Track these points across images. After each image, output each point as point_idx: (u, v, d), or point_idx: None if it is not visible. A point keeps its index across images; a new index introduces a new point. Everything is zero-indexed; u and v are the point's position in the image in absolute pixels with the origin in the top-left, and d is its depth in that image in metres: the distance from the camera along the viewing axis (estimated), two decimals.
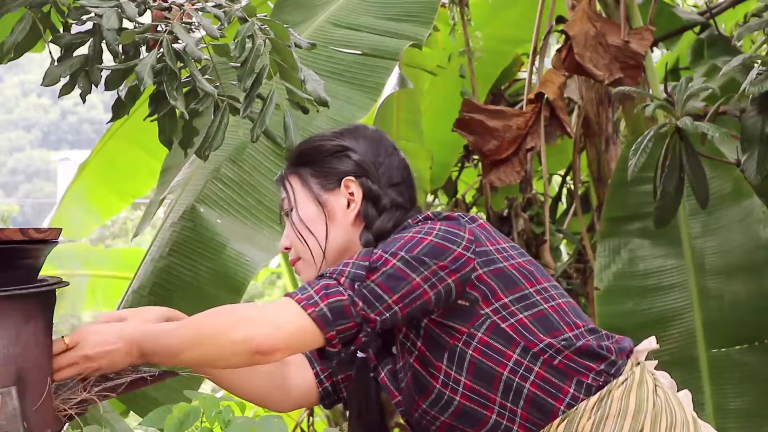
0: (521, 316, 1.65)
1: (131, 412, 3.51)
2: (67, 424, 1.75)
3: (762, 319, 3.37)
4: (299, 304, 1.57)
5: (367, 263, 1.59)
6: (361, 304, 1.57)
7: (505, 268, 1.66)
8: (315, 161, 1.76)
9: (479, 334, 1.63)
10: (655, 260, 3.56)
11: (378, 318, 1.57)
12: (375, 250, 1.63)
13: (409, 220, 1.73)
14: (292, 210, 1.78)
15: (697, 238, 3.52)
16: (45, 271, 1.83)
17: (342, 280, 1.57)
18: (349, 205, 1.75)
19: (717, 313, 3.42)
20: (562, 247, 4.94)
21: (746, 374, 3.35)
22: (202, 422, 2.41)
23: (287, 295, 1.61)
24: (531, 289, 1.67)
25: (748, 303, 3.39)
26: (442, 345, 1.64)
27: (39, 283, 1.75)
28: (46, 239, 1.73)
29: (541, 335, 1.65)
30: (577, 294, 4.57)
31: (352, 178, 1.75)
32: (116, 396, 1.83)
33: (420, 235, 1.62)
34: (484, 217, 5.07)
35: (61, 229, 1.78)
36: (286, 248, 1.81)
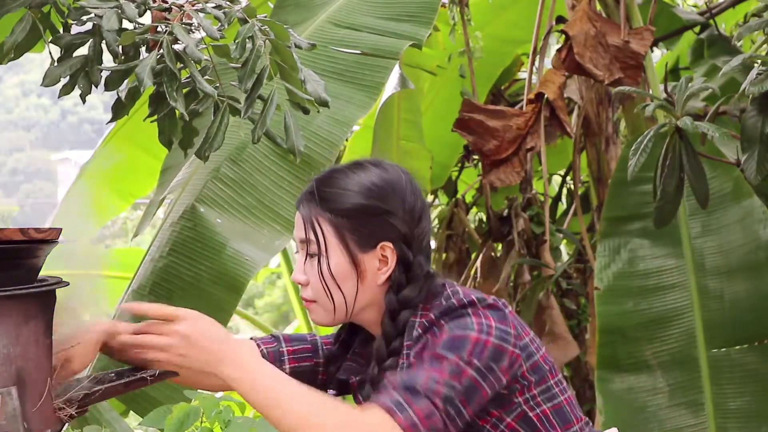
0: (545, 407, 1.71)
1: (131, 412, 3.51)
2: (67, 424, 1.75)
3: (762, 319, 3.37)
4: (400, 426, 1.55)
5: (455, 384, 1.58)
6: (448, 423, 1.59)
7: (539, 361, 1.71)
8: (354, 218, 1.70)
9: (508, 419, 1.69)
10: (655, 260, 3.56)
11: (453, 427, 1.61)
12: (448, 354, 1.60)
13: (453, 300, 1.69)
14: (319, 255, 1.72)
15: (697, 238, 3.52)
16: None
17: (438, 402, 1.57)
18: (380, 268, 1.72)
19: (717, 313, 3.42)
20: (562, 247, 4.94)
21: (746, 374, 3.35)
22: (202, 422, 2.41)
23: (385, 407, 1.56)
24: (552, 381, 1.72)
25: (748, 303, 3.39)
26: (472, 426, 1.67)
27: (39, 283, 1.75)
28: (47, 239, 1.73)
29: (558, 427, 1.71)
30: (577, 294, 4.58)
31: (390, 244, 1.72)
32: (116, 396, 1.83)
33: (483, 336, 1.62)
34: (484, 217, 5.07)
35: (61, 229, 1.78)
36: (300, 283, 1.77)
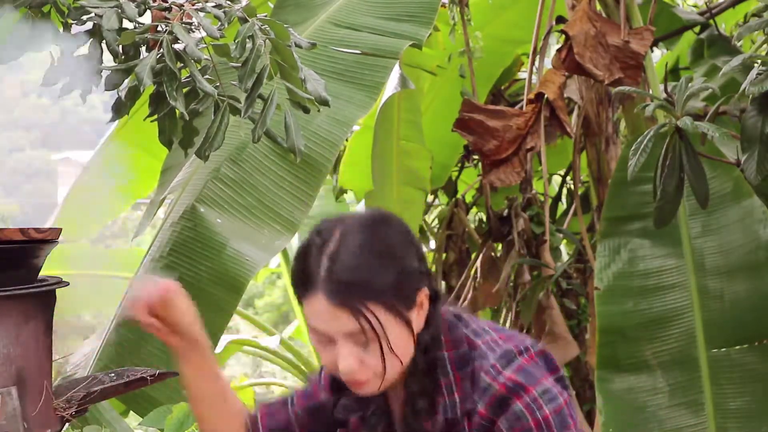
0: None
1: (131, 412, 3.51)
2: (67, 424, 1.75)
3: (762, 319, 3.36)
4: None
5: None
6: None
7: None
8: (400, 287, 1.64)
9: None
10: (655, 260, 3.55)
11: None
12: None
13: (512, 347, 1.69)
14: (379, 340, 1.64)
15: (697, 238, 3.52)
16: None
17: None
18: (419, 313, 1.69)
19: (717, 313, 3.42)
20: (562, 247, 4.94)
21: (746, 374, 3.34)
22: None
23: None
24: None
25: (748, 303, 3.38)
26: None
27: (39, 283, 1.75)
28: (47, 239, 1.73)
29: None
30: (577, 294, 4.58)
31: (425, 288, 1.69)
32: (116, 396, 1.83)
33: (566, 395, 1.69)
34: (484, 216, 5.07)
35: (61, 229, 1.78)
36: (362, 381, 1.68)
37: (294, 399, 1.95)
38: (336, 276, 1.61)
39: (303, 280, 1.65)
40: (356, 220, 1.70)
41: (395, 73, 4.78)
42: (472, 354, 1.69)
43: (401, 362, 1.67)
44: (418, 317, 1.68)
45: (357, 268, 1.63)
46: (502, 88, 5.62)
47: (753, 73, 2.96)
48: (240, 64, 2.36)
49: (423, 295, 1.68)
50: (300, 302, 1.68)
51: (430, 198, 5.76)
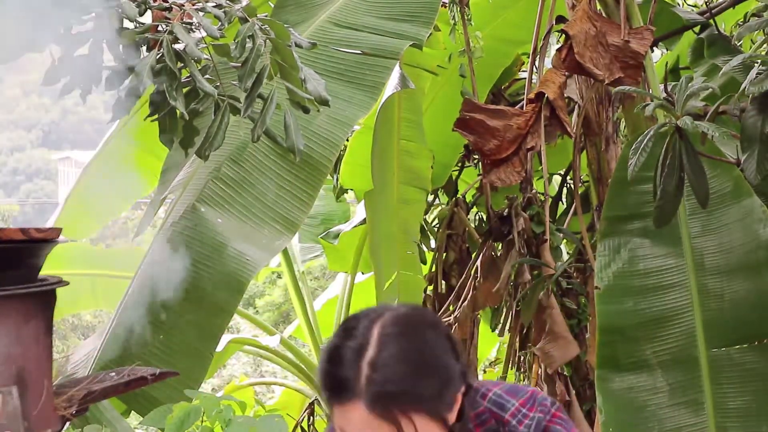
0: None
1: (132, 412, 3.51)
2: (67, 423, 1.75)
3: (762, 318, 3.36)
4: None
5: None
6: None
7: None
8: (440, 394, 1.62)
9: None
10: (655, 259, 3.55)
11: None
12: None
13: (540, 416, 1.71)
14: None
15: (697, 237, 3.52)
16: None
17: None
18: (454, 410, 1.66)
19: (717, 313, 3.42)
20: (563, 247, 4.94)
21: (746, 374, 3.34)
22: (202, 421, 2.42)
23: None
24: None
25: (748, 302, 3.38)
26: None
27: (39, 282, 1.75)
28: (47, 239, 1.73)
29: None
30: (578, 293, 4.58)
31: (462, 388, 1.67)
32: (117, 395, 1.84)
33: None
34: (485, 216, 5.08)
35: (61, 229, 1.78)
36: None
37: None
38: (378, 386, 1.56)
39: (338, 386, 1.59)
40: (393, 320, 1.64)
41: (395, 72, 4.79)
42: (503, 430, 1.70)
43: None
44: (452, 415, 1.66)
45: (400, 379, 1.58)
46: (503, 87, 5.63)
47: (753, 73, 2.97)
48: (240, 64, 2.36)
49: (460, 394, 1.66)
50: (330, 406, 1.62)
51: (430, 197, 5.77)
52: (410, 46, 3.75)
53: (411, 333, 1.62)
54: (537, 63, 4.32)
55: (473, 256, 5.04)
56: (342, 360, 1.58)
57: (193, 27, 2.33)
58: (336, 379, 1.58)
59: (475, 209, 5.69)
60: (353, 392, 1.56)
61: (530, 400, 1.72)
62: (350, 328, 1.62)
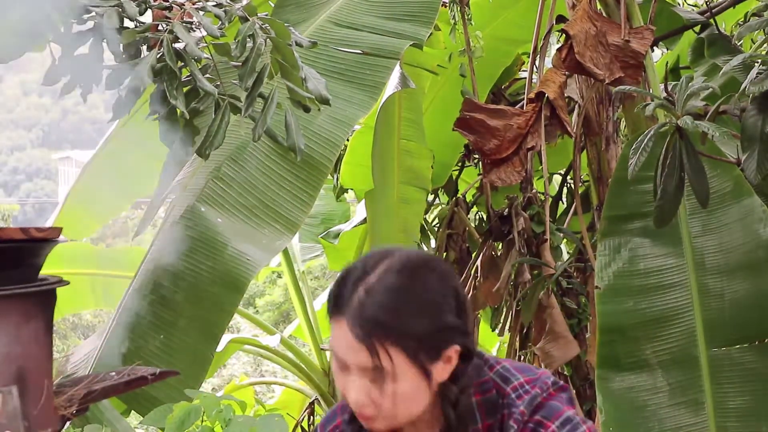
0: None
1: (132, 412, 3.51)
2: (68, 422, 1.75)
3: (762, 318, 3.36)
4: None
5: None
6: None
7: None
8: (426, 337, 1.62)
9: None
10: (655, 259, 3.55)
11: None
12: None
13: (537, 392, 1.69)
14: (393, 383, 1.63)
15: (697, 237, 3.52)
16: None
17: None
18: (445, 366, 1.67)
19: (717, 312, 3.41)
20: (563, 246, 4.94)
21: (746, 373, 3.34)
22: (202, 421, 2.42)
23: None
24: None
25: (749, 302, 3.38)
26: None
27: (40, 282, 1.75)
28: (47, 238, 1.73)
29: None
30: (578, 293, 4.58)
31: (457, 345, 1.66)
32: (117, 395, 1.84)
33: (589, 425, 1.66)
34: (485, 216, 5.08)
35: (61, 229, 1.78)
36: (369, 416, 1.67)
37: None
38: (365, 310, 1.60)
39: (334, 303, 1.64)
40: (404, 258, 1.67)
41: (396, 72, 4.79)
42: (501, 401, 1.69)
43: (411, 410, 1.66)
44: (442, 370, 1.66)
45: (388, 309, 1.60)
46: (503, 87, 5.63)
47: (753, 73, 2.97)
48: (240, 63, 2.36)
49: (453, 351, 1.66)
50: (329, 320, 1.67)
51: (430, 197, 5.77)
52: (410, 45, 3.75)
53: (415, 273, 1.65)
54: (537, 63, 4.32)
55: (473, 255, 5.04)
56: (345, 281, 1.64)
57: (193, 26, 2.33)
58: (335, 295, 1.65)
59: (475, 209, 5.69)
60: (344, 311, 1.62)
61: (536, 380, 1.70)
62: (366, 257, 1.68)
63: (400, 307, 1.61)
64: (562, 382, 1.73)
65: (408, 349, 1.61)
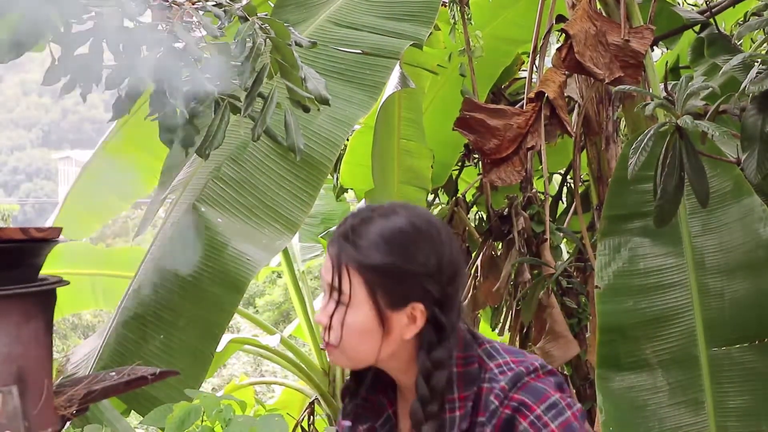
0: None
1: (132, 412, 3.51)
2: (68, 422, 1.75)
3: (762, 317, 3.36)
4: None
5: None
6: None
7: None
8: (387, 276, 1.66)
9: None
10: (655, 259, 3.55)
11: None
12: None
13: (522, 369, 1.68)
14: (347, 307, 1.67)
15: (697, 236, 3.52)
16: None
17: None
18: (408, 325, 1.68)
19: (717, 312, 3.42)
20: (563, 246, 4.94)
21: (746, 373, 3.34)
22: (202, 421, 2.42)
23: None
24: None
25: (749, 301, 3.38)
26: None
27: (40, 282, 1.75)
28: (47, 238, 1.73)
29: None
30: (578, 292, 4.58)
31: (421, 305, 1.67)
32: (117, 395, 1.84)
33: (575, 411, 1.65)
34: (485, 215, 5.08)
35: (61, 228, 1.78)
36: (323, 326, 1.72)
37: None
38: (347, 233, 1.68)
39: (330, 239, 1.73)
40: (414, 211, 1.72)
41: (396, 71, 4.79)
42: (482, 375, 1.68)
43: (358, 347, 1.69)
44: (403, 326, 1.67)
45: (366, 237, 1.66)
46: (503, 87, 5.63)
47: (753, 72, 2.97)
48: (240, 63, 2.36)
49: (418, 311, 1.66)
50: None
51: (430, 197, 5.77)
52: (410, 45, 3.75)
53: (414, 225, 1.69)
54: (537, 62, 4.32)
55: (473, 255, 5.04)
56: (352, 216, 1.73)
57: (193, 26, 2.33)
58: (338, 226, 1.73)
59: (475, 208, 5.69)
60: (331, 240, 1.72)
61: (523, 361, 1.69)
62: (387, 203, 1.75)
63: (376, 240, 1.66)
64: (551, 367, 1.71)
65: (368, 281, 1.65)
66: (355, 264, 1.66)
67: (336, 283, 1.67)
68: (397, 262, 1.65)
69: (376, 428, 1.82)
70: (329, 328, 1.70)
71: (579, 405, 1.68)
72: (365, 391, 1.84)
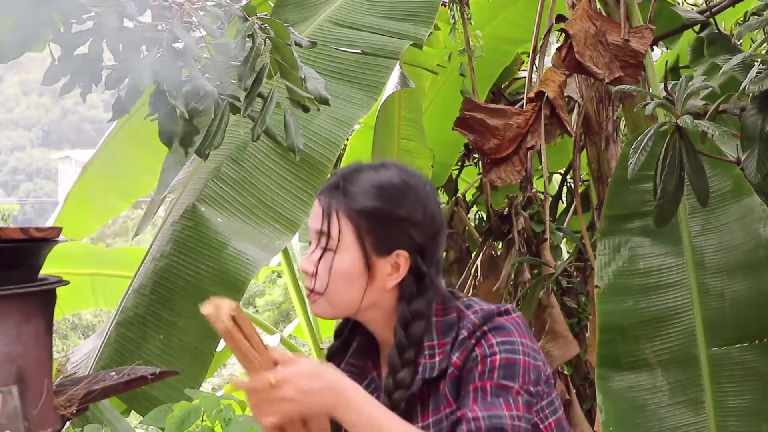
0: (551, 419, 1.75)
1: (132, 412, 3.51)
2: (68, 422, 1.75)
3: (762, 317, 3.36)
4: None
5: (528, 415, 1.64)
6: None
7: (549, 374, 1.76)
8: (375, 221, 1.72)
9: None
10: (655, 258, 3.55)
11: None
12: (510, 383, 1.64)
13: (493, 308, 1.72)
14: (332, 251, 1.73)
15: (697, 236, 3.52)
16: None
17: None
18: (391, 273, 1.74)
19: (717, 312, 3.41)
20: (563, 246, 4.94)
21: (746, 372, 3.34)
22: (202, 421, 2.42)
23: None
24: (554, 395, 1.77)
25: (748, 301, 3.38)
26: None
27: (39, 282, 1.75)
28: (47, 238, 1.73)
29: None
30: (578, 292, 4.58)
31: (406, 253, 1.73)
32: (117, 395, 1.84)
33: (529, 360, 1.67)
34: (485, 215, 5.08)
35: (61, 228, 1.78)
36: (307, 273, 1.76)
37: None
38: (338, 182, 1.74)
39: (319, 190, 1.79)
40: (402, 166, 1.79)
41: (396, 71, 4.79)
42: (459, 323, 1.73)
43: (343, 292, 1.73)
44: (388, 274, 1.73)
45: (357, 185, 1.73)
46: (503, 86, 5.63)
47: (753, 72, 2.97)
48: (240, 63, 2.36)
49: (402, 258, 1.73)
50: None
51: None
52: (410, 45, 3.75)
53: (404, 177, 1.76)
54: (537, 62, 4.32)
55: (473, 255, 5.04)
56: (344, 168, 1.80)
57: (192, 26, 2.33)
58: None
59: (475, 208, 5.69)
60: (321, 190, 1.78)
61: (499, 306, 1.74)
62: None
63: (366, 187, 1.73)
64: (520, 312, 1.75)
65: (357, 225, 1.71)
66: (345, 208, 1.72)
67: (325, 228, 1.72)
68: (385, 208, 1.72)
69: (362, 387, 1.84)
70: (315, 275, 1.75)
71: (540, 362, 1.70)
72: (352, 357, 1.88)
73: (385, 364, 1.82)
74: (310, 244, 1.78)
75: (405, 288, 1.74)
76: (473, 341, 1.68)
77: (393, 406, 1.69)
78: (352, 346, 1.89)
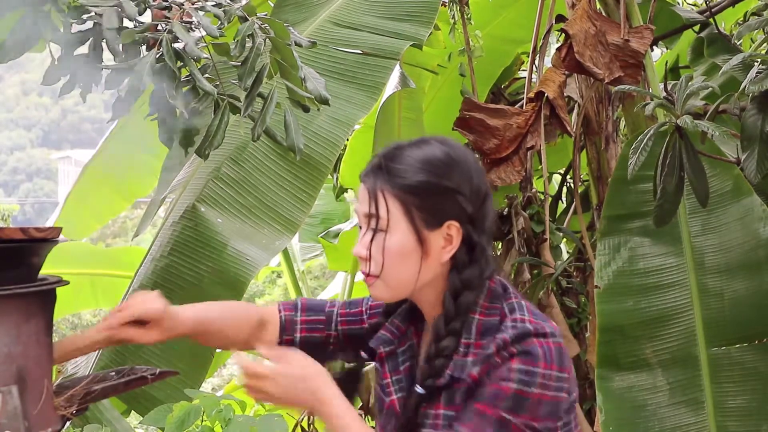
0: None
1: (132, 412, 3.51)
2: (68, 422, 1.75)
3: (762, 317, 3.36)
4: None
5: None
6: None
7: (574, 402, 1.73)
8: (423, 195, 1.71)
9: None
10: (655, 258, 3.56)
11: None
12: (511, 417, 1.62)
13: (531, 329, 1.68)
14: (386, 231, 1.72)
15: (697, 236, 3.52)
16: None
17: None
18: (444, 246, 1.73)
19: (717, 312, 3.42)
20: (563, 246, 4.93)
21: (746, 372, 3.34)
22: (202, 421, 2.42)
23: None
24: (572, 416, 1.73)
25: (748, 301, 3.38)
26: None
27: (39, 281, 1.75)
28: (47, 238, 1.73)
29: None
30: (578, 292, 4.58)
31: (456, 223, 1.73)
32: (117, 395, 1.84)
33: (548, 393, 1.64)
34: None
35: (61, 228, 1.78)
36: (362, 258, 1.76)
37: (338, 311, 2.03)
38: (380, 163, 1.73)
39: (362, 173, 1.77)
40: (444, 139, 1.78)
41: (396, 71, 4.78)
42: (500, 326, 1.71)
43: (399, 270, 1.72)
44: (441, 247, 1.72)
45: (400, 162, 1.72)
46: (503, 86, 5.62)
47: (753, 72, 2.97)
48: (240, 63, 2.36)
49: (454, 229, 1.72)
50: None
51: None
52: (410, 46, 3.75)
53: (450, 151, 1.75)
54: (537, 62, 4.32)
55: None
56: (384, 149, 1.78)
57: (192, 26, 2.33)
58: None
59: None
60: (364, 173, 1.76)
61: (539, 323, 1.70)
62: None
63: (411, 162, 1.72)
64: (562, 341, 1.71)
65: (404, 202, 1.70)
66: (390, 187, 1.71)
67: (373, 210, 1.71)
68: (432, 181, 1.71)
69: (397, 353, 1.86)
70: (369, 258, 1.74)
71: (564, 393, 1.66)
72: (397, 318, 1.89)
73: (427, 334, 1.82)
74: (360, 228, 1.78)
75: (457, 258, 1.74)
76: (498, 359, 1.65)
77: (433, 373, 1.70)
78: (399, 309, 1.90)
